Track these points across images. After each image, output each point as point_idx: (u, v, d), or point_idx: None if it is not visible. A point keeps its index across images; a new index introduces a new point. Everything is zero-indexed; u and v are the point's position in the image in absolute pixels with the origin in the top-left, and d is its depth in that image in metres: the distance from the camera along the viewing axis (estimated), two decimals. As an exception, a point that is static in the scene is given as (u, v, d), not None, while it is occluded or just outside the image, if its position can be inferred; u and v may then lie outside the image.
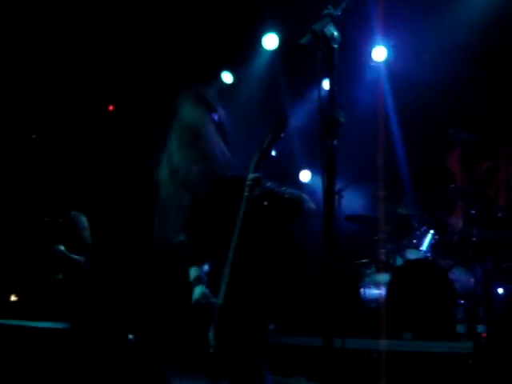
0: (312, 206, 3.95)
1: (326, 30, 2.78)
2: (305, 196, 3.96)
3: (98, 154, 7.91)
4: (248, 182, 3.69)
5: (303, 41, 2.74)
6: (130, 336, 6.04)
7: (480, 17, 6.81)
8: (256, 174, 3.71)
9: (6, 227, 7.34)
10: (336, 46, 2.80)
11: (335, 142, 2.77)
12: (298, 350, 6.14)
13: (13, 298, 7.57)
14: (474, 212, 5.92)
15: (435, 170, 6.71)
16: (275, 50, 7.64)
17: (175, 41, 7.71)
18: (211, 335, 3.73)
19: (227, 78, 7.94)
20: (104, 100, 8.28)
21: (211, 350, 3.70)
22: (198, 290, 3.81)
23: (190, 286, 3.91)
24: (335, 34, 2.80)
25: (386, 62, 7.44)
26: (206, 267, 4.02)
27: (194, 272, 3.94)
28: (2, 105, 7.54)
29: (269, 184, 3.80)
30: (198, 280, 3.88)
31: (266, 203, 3.75)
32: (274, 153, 3.80)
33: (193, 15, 7.35)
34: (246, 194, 3.69)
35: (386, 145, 7.00)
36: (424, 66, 7.15)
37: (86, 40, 7.54)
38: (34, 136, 7.60)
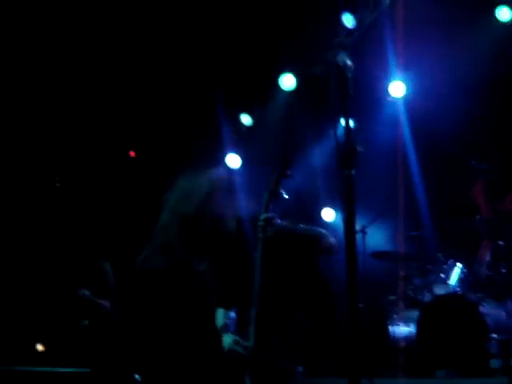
0: (332, 240, 3.91)
1: (338, 59, 2.77)
2: (323, 232, 3.92)
3: (120, 200, 7.95)
4: (260, 223, 3.68)
5: (316, 71, 2.73)
6: (137, 376, 5.97)
7: (496, 50, 6.84)
8: (266, 215, 3.69)
9: (31, 275, 7.37)
10: (350, 74, 2.78)
11: (353, 171, 2.73)
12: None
13: (40, 347, 7.56)
14: (501, 243, 5.81)
15: (459, 203, 6.64)
16: (292, 89, 7.66)
17: (193, 86, 7.79)
18: (247, 380, 3.68)
19: (246, 119, 7.97)
20: (125, 147, 8.35)
21: None
22: (228, 338, 3.78)
23: (218, 332, 3.88)
24: (348, 62, 2.79)
25: (404, 96, 7.42)
26: (232, 314, 3.98)
27: (221, 318, 3.90)
28: (26, 154, 7.64)
29: (283, 223, 3.78)
30: (226, 328, 3.86)
31: (282, 242, 3.73)
32: (284, 192, 3.78)
33: (210, 58, 7.42)
34: (259, 235, 3.67)
35: (407, 180, 6.95)
36: (442, 99, 7.13)
37: (109, 89, 7.66)
38: (57, 184, 7.65)
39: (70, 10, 6.76)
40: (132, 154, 8.32)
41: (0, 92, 7.14)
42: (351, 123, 2.78)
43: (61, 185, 7.56)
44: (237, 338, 3.77)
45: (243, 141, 7.94)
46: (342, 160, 2.72)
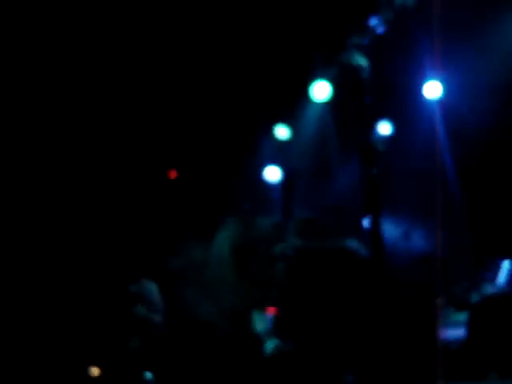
0: (363, 252, 3.89)
1: (353, 60, 2.77)
2: (352, 245, 3.90)
3: (163, 220, 8.04)
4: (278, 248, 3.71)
5: (330, 73, 2.74)
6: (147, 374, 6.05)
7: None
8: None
9: (80, 299, 7.49)
10: (365, 74, 2.79)
11: (375, 170, 2.72)
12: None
13: (94, 371, 7.67)
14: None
15: (505, 201, 6.52)
16: (327, 100, 7.64)
17: (230, 102, 7.86)
18: None
19: (283, 132, 7.98)
20: (166, 167, 8.45)
21: None
22: (271, 344, 3.78)
23: (259, 337, 3.88)
24: (363, 63, 2.79)
25: (439, 98, 7.34)
26: (269, 317, 3.98)
27: (260, 323, 3.91)
28: (72, 174, 7.78)
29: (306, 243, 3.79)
30: (268, 332, 3.85)
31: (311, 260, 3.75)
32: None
33: (245, 70, 7.48)
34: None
35: (446, 182, 6.87)
36: (478, 100, 7.02)
37: (148, 114, 7.80)
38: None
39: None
40: (173, 174, 8.40)
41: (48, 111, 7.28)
42: (371, 122, 2.77)
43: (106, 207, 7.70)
44: (279, 343, 3.76)
45: (282, 154, 7.95)
46: (363, 159, 2.72)
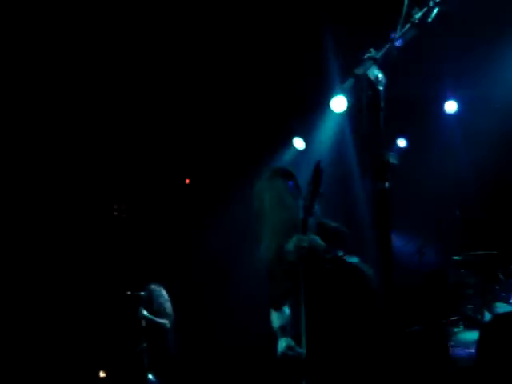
0: (367, 271, 3.85)
1: (369, 72, 2.76)
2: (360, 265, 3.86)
3: (176, 226, 8.08)
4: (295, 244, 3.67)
5: (346, 85, 2.73)
6: (151, 376, 6.07)
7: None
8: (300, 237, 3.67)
9: (90, 303, 7.53)
10: (381, 88, 2.77)
11: (387, 184, 2.70)
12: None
13: (102, 374, 7.70)
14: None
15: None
16: (344, 112, 7.65)
17: (246, 113, 7.89)
18: None
19: (299, 143, 7.99)
20: (181, 174, 8.50)
21: None
22: (284, 343, 3.73)
23: (275, 334, 3.83)
24: (380, 76, 2.78)
25: (457, 115, 7.32)
26: (287, 311, 3.93)
27: (277, 320, 3.85)
28: (85, 185, 7.86)
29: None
30: (283, 330, 3.80)
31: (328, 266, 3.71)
32: (318, 209, 3.76)
33: (262, 83, 7.51)
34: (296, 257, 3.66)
35: (462, 198, 6.83)
36: (496, 118, 7.00)
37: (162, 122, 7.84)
38: (115, 213, 7.84)
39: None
40: (187, 181, 8.45)
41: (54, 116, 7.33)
42: (384, 135, 2.75)
43: (118, 213, 7.74)
44: (292, 343, 3.71)
45: (298, 165, 7.95)
46: (375, 173, 2.70)
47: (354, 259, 3.83)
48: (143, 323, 6.62)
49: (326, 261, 3.72)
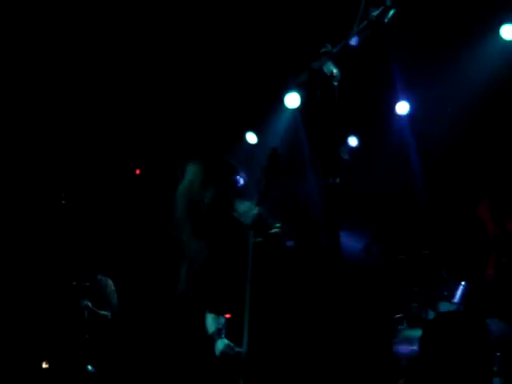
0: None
1: (324, 67, 2.77)
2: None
3: (124, 217, 7.99)
4: (251, 228, 3.66)
5: (300, 79, 2.73)
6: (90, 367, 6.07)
7: (500, 69, 6.83)
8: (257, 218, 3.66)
9: (33, 292, 7.39)
10: (336, 83, 2.78)
11: (338, 180, 2.71)
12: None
13: (44, 365, 7.56)
14: (505, 260, 5.76)
15: (464, 220, 6.60)
16: (297, 108, 7.68)
17: (200, 104, 7.84)
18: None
19: (251, 138, 7.99)
20: (131, 165, 8.40)
21: None
22: (221, 343, 3.76)
23: (210, 339, 3.86)
24: (335, 71, 2.79)
25: (409, 115, 7.42)
26: (222, 319, 3.95)
27: (212, 323, 3.88)
28: (32, 171, 7.71)
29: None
30: (218, 333, 3.83)
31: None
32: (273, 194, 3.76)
33: (216, 76, 7.48)
34: (250, 240, 3.65)
35: (411, 196, 6.93)
36: (446, 118, 7.12)
37: (116, 107, 7.73)
38: (63, 202, 7.70)
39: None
40: (137, 171, 8.36)
41: (4, 106, 7.21)
42: (337, 131, 2.77)
43: (66, 202, 7.60)
44: (230, 343, 3.75)
45: (248, 159, 7.95)
46: (326, 168, 2.71)
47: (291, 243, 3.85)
48: (85, 314, 6.52)
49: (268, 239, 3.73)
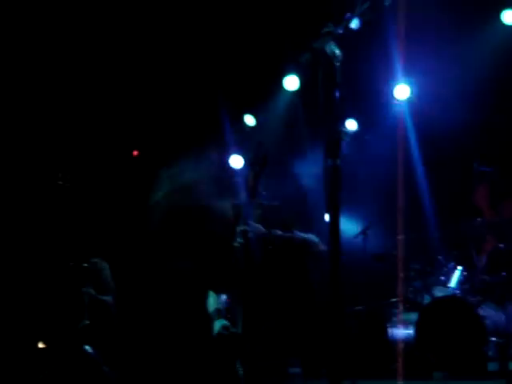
0: (323, 247, 3.94)
1: (326, 47, 2.74)
2: (313, 238, 3.93)
3: (121, 198, 7.96)
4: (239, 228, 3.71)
5: (302, 59, 2.71)
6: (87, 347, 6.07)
7: (500, 53, 6.81)
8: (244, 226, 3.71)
9: (31, 273, 7.37)
10: (338, 63, 2.76)
11: (338, 161, 2.70)
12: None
13: (40, 345, 7.57)
14: (502, 246, 5.77)
15: (462, 205, 6.61)
16: (296, 90, 7.64)
17: (197, 86, 7.80)
18: (239, 368, 3.71)
19: (249, 120, 7.96)
20: (129, 146, 8.37)
21: None
22: (219, 323, 3.83)
23: (210, 318, 3.92)
24: (337, 52, 2.76)
25: (409, 100, 7.38)
26: (223, 297, 4.00)
27: (213, 303, 3.94)
28: (29, 152, 7.67)
29: (277, 232, 3.81)
30: (218, 313, 3.89)
31: (270, 247, 3.77)
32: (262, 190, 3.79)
33: (214, 58, 7.44)
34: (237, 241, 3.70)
35: (409, 182, 6.92)
36: (446, 102, 7.09)
37: (113, 89, 7.69)
38: (60, 182, 7.67)
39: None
40: (135, 153, 8.32)
41: (1, 91, 7.18)
42: (338, 112, 2.75)
43: (63, 183, 7.57)
44: (227, 323, 3.81)
45: (246, 142, 7.93)
46: (327, 149, 2.69)
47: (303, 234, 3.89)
48: (86, 299, 6.46)
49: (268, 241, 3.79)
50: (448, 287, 6.16)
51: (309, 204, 7.27)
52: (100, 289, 6.66)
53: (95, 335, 6.50)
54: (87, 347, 6.15)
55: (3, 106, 7.34)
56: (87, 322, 6.47)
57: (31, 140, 7.64)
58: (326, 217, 7.97)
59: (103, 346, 6.50)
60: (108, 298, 6.64)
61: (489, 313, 5.71)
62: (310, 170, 7.17)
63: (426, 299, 6.29)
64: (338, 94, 2.73)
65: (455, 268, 6.20)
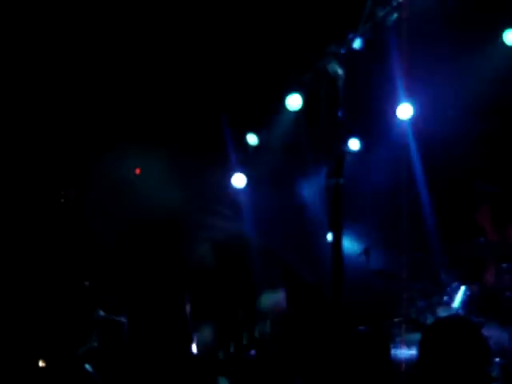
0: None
1: (329, 67, 2.75)
2: None
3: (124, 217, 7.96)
4: None
5: (305, 78, 2.71)
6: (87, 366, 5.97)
7: (502, 73, 6.84)
8: None
9: (41, 292, 7.35)
10: (340, 83, 2.77)
11: (341, 180, 2.70)
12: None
13: (41, 363, 7.52)
14: (505, 266, 5.75)
15: (465, 225, 6.59)
16: (299, 110, 7.65)
17: (199, 106, 7.83)
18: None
19: (252, 139, 7.97)
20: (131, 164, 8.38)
21: None
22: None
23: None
24: (339, 71, 2.77)
25: (411, 119, 7.39)
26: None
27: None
28: (31, 172, 7.67)
29: None
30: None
31: None
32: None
33: (217, 77, 7.46)
34: None
35: (413, 201, 6.92)
36: (449, 122, 7.11)
37: (117, 107, 7.72)
38: (62, 200, 7.68)
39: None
40: (138, 171, 8.33)
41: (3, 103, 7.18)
42: (341, 132, 2.75)
43: (66, 200, 7.58)
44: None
45: (249, 161, 7.95)
46: (329, 168, 2.69)
47: None
48: (97, 320, 6.37)
49: None
50: (451, 307, 6.12)
51: (307, 218, 7.29)
52: (111, 308, 6.61)
53: (105, 356, 6.40)
54: (87, 366, 6.07)
55: (7, 123, 7.36)
56: (95, 344, 6.38)
57: (33, 158, 7.65)
58: (329, 236, 7.95)
59: (113, 366, 6.42)
60: (121, 318, 6.55)
61: (493, 333, 5.66)
62: (311, 188, 7.19)
63: (429, 319, 6.25)
64: (340, 114, 2.74)
65: (458, 288, 6.17)
